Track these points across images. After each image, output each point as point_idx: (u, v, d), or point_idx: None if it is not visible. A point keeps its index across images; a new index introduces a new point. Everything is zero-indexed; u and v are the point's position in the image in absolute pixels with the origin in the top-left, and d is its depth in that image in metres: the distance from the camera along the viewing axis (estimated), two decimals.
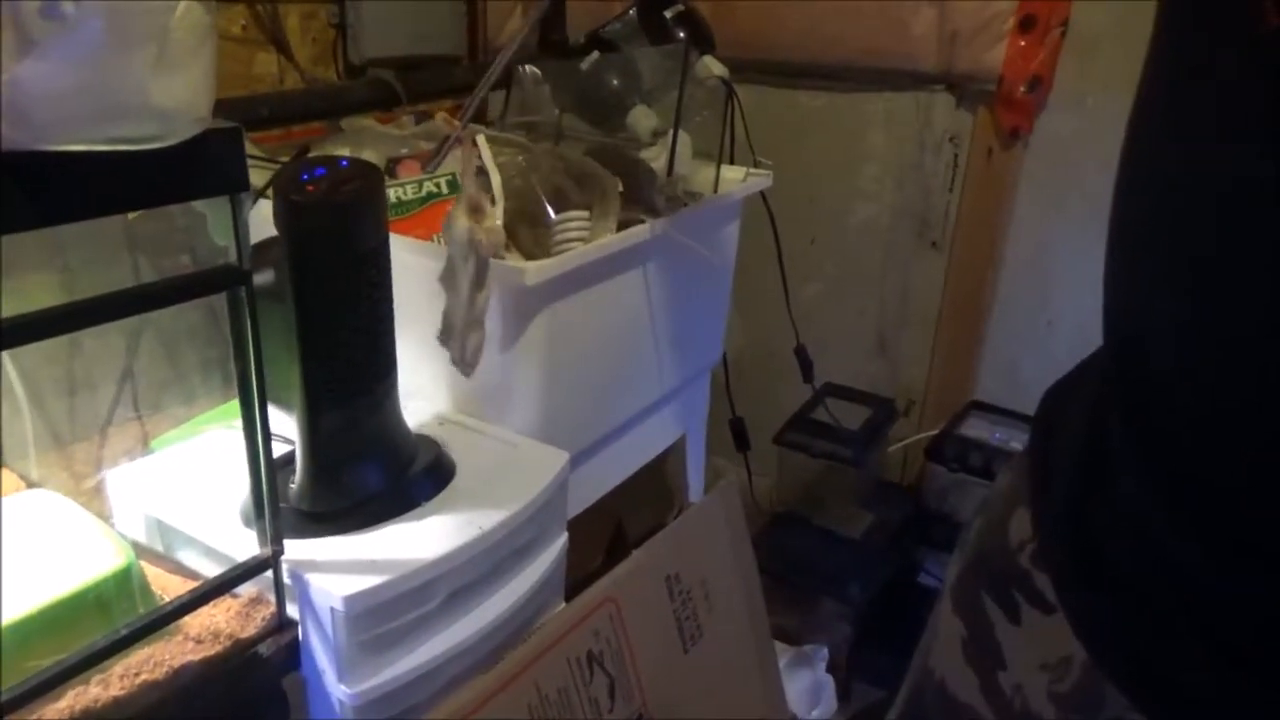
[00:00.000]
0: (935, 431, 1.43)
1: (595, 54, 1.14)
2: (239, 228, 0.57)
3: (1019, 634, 0.37)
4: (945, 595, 0.43)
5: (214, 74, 0.50)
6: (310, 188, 0.65)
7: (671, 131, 1.10)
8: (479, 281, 0.67)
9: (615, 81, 1.15)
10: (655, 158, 1.13)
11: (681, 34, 1.17)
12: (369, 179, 0.68)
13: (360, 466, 0.74)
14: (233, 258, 0.57)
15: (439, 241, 0.90)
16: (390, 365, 0.73)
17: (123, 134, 0.46)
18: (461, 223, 0.69)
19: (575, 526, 0.97)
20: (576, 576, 0.96)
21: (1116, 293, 0.34)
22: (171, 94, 0.47)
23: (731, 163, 1.18)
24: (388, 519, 0.75)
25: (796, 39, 1.48)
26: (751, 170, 1.15)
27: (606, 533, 1.26)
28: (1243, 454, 0.28)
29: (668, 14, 1.15)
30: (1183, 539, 0.31)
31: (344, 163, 0.72)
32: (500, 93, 1.26)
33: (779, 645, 1.23)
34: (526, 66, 1.22)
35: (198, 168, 0.52)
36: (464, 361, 0.69)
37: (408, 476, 0.78)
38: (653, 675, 0.93)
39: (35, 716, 0.55)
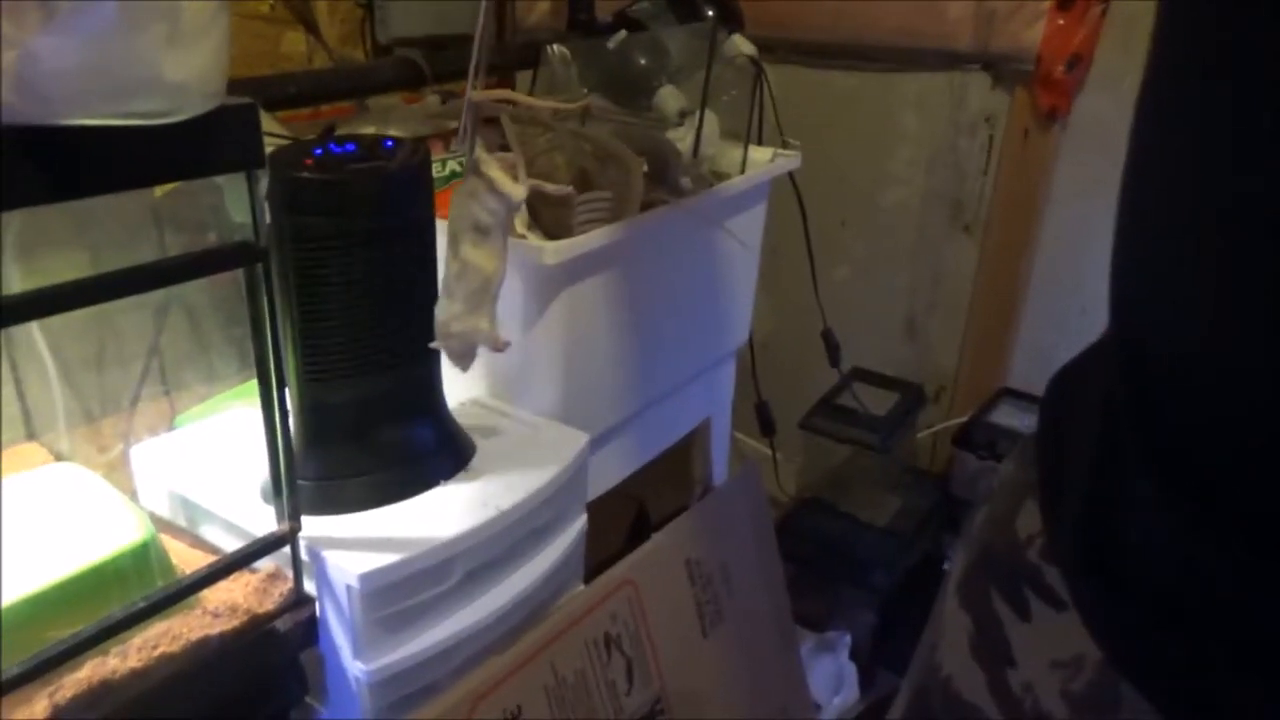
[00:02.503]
0: (965, 418, 1.41)
1: (622, 33, 1.13)
2: (255, 204, 0.57)
3: (1029, 631, 0.36)
4: (951, 590, 0.42)
5: (227, 49, 0.49)
6: (307, 161, 0.65)
7: (698, 112, 1.09)
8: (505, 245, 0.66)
9: (642, 61, 1.14)
10: (682, 138, 1.12)
11: (710, 12, 1.15)
12: (391, 160, 0.68)
13: (352, 445, 0.74)
14: (250, 234, 0.58)
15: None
16: (405, 348, 0.73)
17: (135, 109, 0.46)
18: (511, 186, 0.66)
19: (597, 509, 0.96)
20: (598, 559, 0.96)
21: (1124, 286, 0.33)
22: (184, 69, 0.47)
23: (760, 143, 1.16)
24: (405, 497, 0.75)
25: (829, 18, 1.45)
26: (780, 151, 1.13)
27: (629, 515, 1.26)
28: (1260, 449, 0.27)
29: None
30: (1201, 537, 0.29)
31: (388, 143, 0.72)
32: (528, 74, 1.25)
33: (801, 631, 1.22)
34: (554, 46, 1.21)
35: (212, 143, 0.52)
36: (498, 338, 0.68)
37: (426, 455, 0.78)
38: (671, 659, 0.93)
39: (54, 686, 0.56)
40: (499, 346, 0.66)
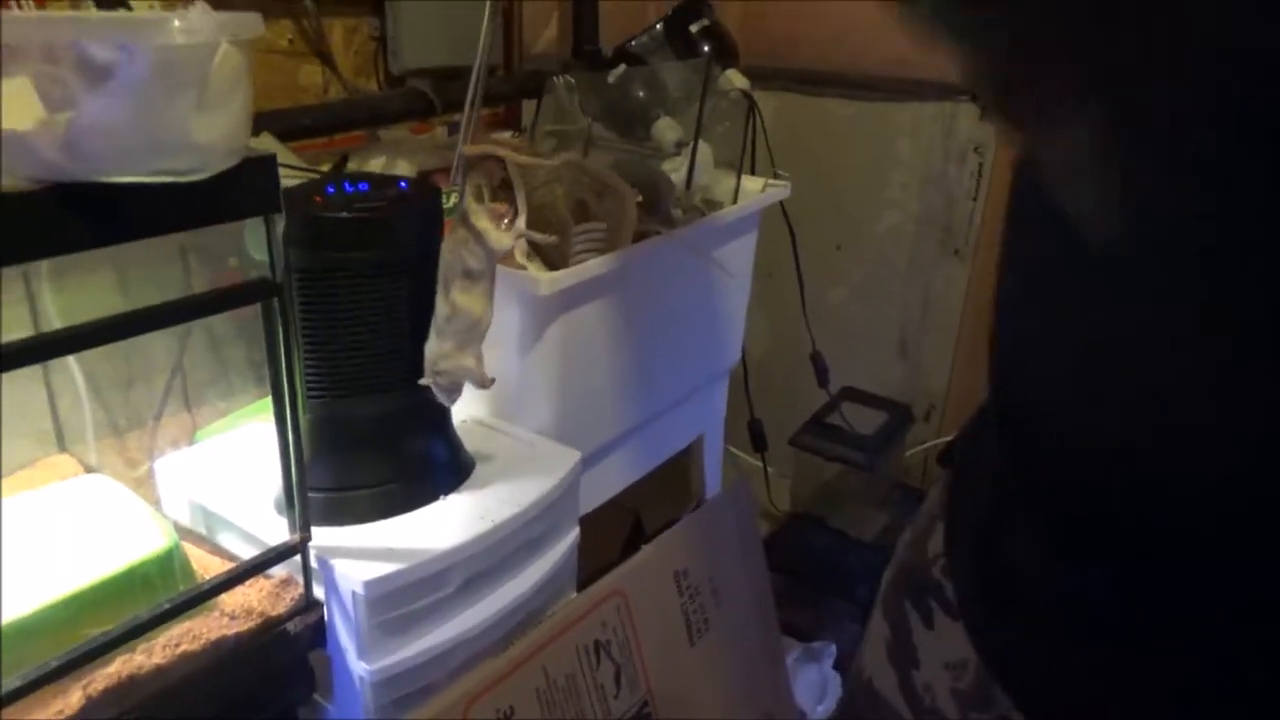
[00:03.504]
0: (953, 437, 1.46)
1: (622, 67, 1.19)
2: (272, 244, 0.63)
3: (931, 637, 0.41)
4: (878, 601, 0.47)
5: (250, 111, 0.55)
6: (319, 199, 0.71)
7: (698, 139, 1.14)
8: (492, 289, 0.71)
9: (641, 93, 1.20)
10: (678, 168, 1.17)
11: (705, 47, 1.21)
12: (397, 201, 0.74)
13: (360, 460, 0.80)
14: (267, 272, 0.63)
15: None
16: (412, 371, 0.78)
17: (167, 167, 0.52)
18: (497, 235, 0.72)
19: (594, 520, 1.02)
20: (594, 568, 1.01)
21: (1001, 355, 0.38)
22: (210, 131, 0.52)
23: (754, 173, 1.22)
24: (409, 509, 0.80)
25: (825, 48, 1.51)
26: (770, 181, 1.19)
27: (625, 527, 1.31)
28: (1122, 492, 0.32)
29: (693, 29, 1.19)
30: (1072, 566, 0.34)
31: (403, 184, 0.78)
32: (535, 100, 1.31)
33: (788, 641, 1.27)
34: (559, 77, 1.27)
35: (235, 193, 0.57)
36: (484, 375, 0.73)
37: (429, 470, 0.83)
38: (659, 665, 0.98)
39: (87, 679, 0.61)
40: (485, 384, 0.72)
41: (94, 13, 0.57)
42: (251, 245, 0.68)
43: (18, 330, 0.83)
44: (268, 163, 0.59)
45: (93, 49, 0.47)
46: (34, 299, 0.84)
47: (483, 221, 0.66)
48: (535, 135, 1.29)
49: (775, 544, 1.32)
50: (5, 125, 0.50)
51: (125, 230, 0.54)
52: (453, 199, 0.99)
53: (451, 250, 0.68)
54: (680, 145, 1.17)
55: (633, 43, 1.21)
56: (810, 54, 1.53)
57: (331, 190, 0.75)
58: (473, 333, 0.70)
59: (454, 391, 0.73)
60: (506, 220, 0.87)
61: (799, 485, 1.42)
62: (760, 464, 1.42)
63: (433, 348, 0.70)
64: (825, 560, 1.32)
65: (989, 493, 0.39)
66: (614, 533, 1.29)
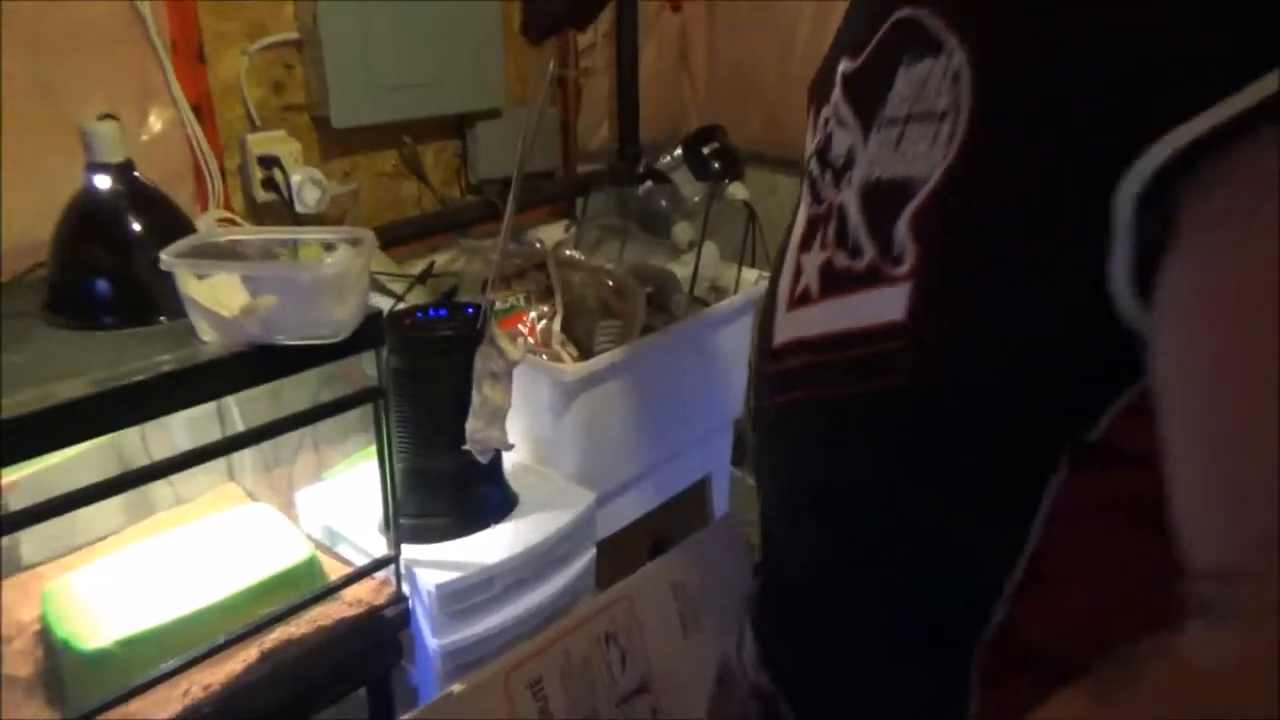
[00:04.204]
0: None
1: (649, 183, 1.51)
2: (380, 365, 0.97)
3: (750, 628, 0.71)
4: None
5: (368, 291, 0.89)
6: (408, 322, 1.05)
7: (704, 241, 1.45)
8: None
9: (663, 203, 1.51)
10: (690, 263, 1.48)
11: (716, 165, 1.51)
12: (459, 325, 1.07)
13: (436, 499, 1.14)
14: (375, 381, 0.97)
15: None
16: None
17: (317, 334, 0.86)
18: (513, 350, 1.05)
19: (624, 537, 1.33)
20: (621, 574, 1.32)
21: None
22: (344, 312, 0.86)
23: (754, 265, 1.52)
24: (468, 534, 1.14)
25: None
26: (763, 273, 1.48)
27: (648, 542, 1.63)
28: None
29: (706, 150, 1.49)
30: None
31: (469, 309, 1.11)
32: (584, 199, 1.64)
33: None
34: (603, 186, 1.60)
35: (357, 339, 0.91)
36: (506, 442, 1.06)
37: (484, 506, 1.17)
38: (657, 652, 1.29)
39: (261, 640, 0.96)
40: (507, 448, 1.04)
41: (284, 245, 0.92)
42: (365, 361, 1.02)
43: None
44: (377, 318, 0.93)
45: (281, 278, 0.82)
46: None
47: (503, 341, 0.98)
48: (582, 228, 1.62)
49: None
50: (225, 310, 0.85)
51: (291, 369, 0.88)
52: (510, 300, 1.33)
53: (481, 360, 1.00)
54: (693, 244, 1.48)
55: (659, 163, 1.52)
56: None
57: (420, 315, 1.09)
58: (497, 415, 1.02)
59: (486, 454, 1.06)
60: (545, 321, 1.20)
61: None
62: None
63: (470, 424, 1.03)
64: None
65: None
66: (639, 548, 1.60)
